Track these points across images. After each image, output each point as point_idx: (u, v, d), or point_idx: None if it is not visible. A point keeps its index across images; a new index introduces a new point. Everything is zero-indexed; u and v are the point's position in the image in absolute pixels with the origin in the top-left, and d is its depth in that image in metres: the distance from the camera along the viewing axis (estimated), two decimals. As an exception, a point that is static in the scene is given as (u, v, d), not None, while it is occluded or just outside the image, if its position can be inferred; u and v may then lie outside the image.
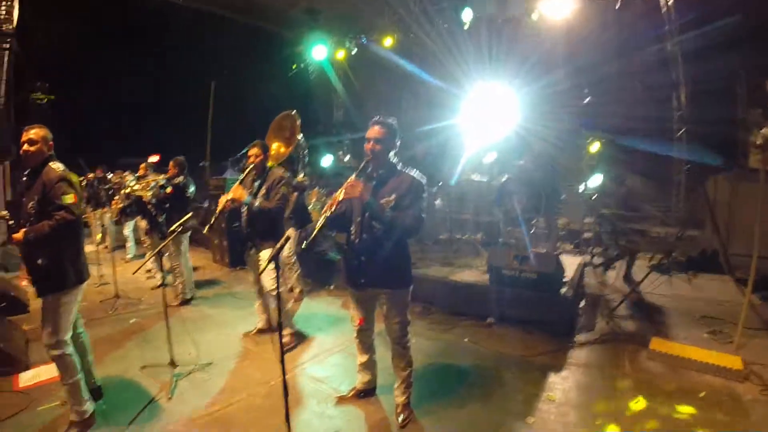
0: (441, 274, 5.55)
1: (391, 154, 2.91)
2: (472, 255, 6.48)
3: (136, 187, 5.97)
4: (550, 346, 4.36)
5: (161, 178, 5.85)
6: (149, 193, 5.82)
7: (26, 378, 3.89)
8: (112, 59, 16.50)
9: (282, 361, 2.48)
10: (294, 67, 12.50)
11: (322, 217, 2.65)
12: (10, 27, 9.76)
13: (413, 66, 10.03)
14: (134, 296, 6.03)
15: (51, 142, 3.08)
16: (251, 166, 4.21)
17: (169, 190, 5.57)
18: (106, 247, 9.35)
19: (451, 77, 9.04)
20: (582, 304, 5.29)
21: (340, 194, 2.67)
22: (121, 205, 7.68)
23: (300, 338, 4.54)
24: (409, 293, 3.05)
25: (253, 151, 4.23)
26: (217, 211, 3.87)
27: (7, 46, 9.59)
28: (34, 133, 3.02)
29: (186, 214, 5.45)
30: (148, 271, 7.09)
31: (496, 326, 4.86)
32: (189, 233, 5.92)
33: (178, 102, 16.02)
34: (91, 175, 8.77)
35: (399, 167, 2.92)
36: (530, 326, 4.72)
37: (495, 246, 6.03)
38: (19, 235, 2.88)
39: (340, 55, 11.30)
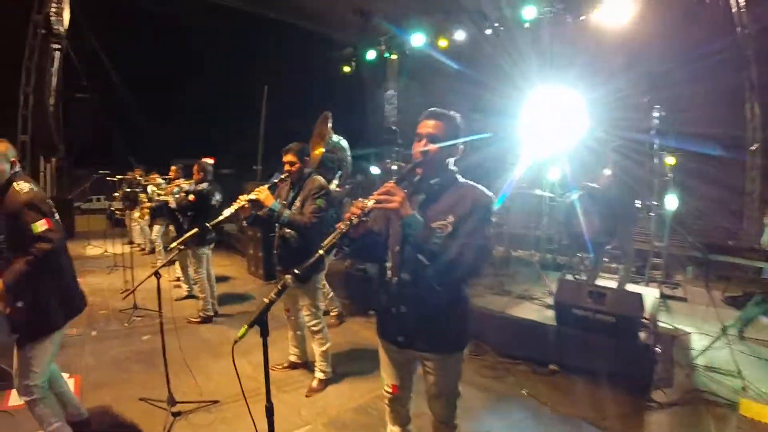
0: (496, 307, 4.70)
1: (451, 160, 2.05)
2: (531, 281, 5.62)
3: (159, 191, 5.54)
4: (624, 407, 3.51)
5: (184, 183, 5.38)
6: (171, 199, 5.37)
7: (16, 396, 3.46)
8: (168, 61, 16.83)
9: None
10: (347, 70, 12.10)
11: (335, 233, 1.76)
12: (62, 29, 9.89)
13: (468, 68, 9.33)
14: (155, 307, 5.57)
15: (13, 159, 2.55)
16: (285, 175, 3.54)
17: (191, 197, 5.06)
18: (142, 249, 9.15)
19: (508, 80, 8.26)
20: (657, 348, 4.35)
21: (368, 202, 1.80)
22: (147, 207, 7.38)
23: (328, 378, 3.82)
24: (464, 356, 2.18)
25: (288, 157, 3.49)
26: (232, 210, 3.19)
27: (58, 47, 9.73)
28: None
29: (205, 225, 4.95)
30: (177, 279, 6.71)
31: (560, 375, 4.02)
32: (212, 245, 5.41)
33: (233, 105, 16.10)
34: (130, 175, 8.58)
35: (460, 179, 2.07)
36: (600, 377, 3.84)
37: (562, 275, 5.11)
38: None
39: (392, 57, 10.84)
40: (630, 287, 5.14)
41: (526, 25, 8.05)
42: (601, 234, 5.15)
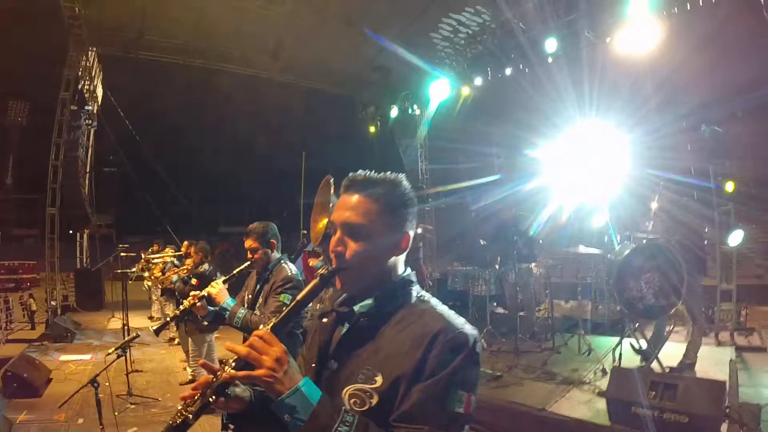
0: (533, 400, 3.76)
1: (397, 260, 1.20)
2: (581, 356, 4.71)
3: (152, 280, 5.21)
4: None
5: (172, 260, 5.01)
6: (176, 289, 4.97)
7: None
8: (201, 131, 17.36)
9: None
10: (372, 130, 11.90)
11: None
12: (96, 105, 10.26)
13: (497, 109, 8.87)
14: (154, 393, 5.07)
15: None
16: (246, 264, 2.92)
17: (194, 281, 4.52)
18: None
19: (542, 117, 7.60)
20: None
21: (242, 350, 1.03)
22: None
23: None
24: None
25: (248, 243, 2.90)
26: (180, 310, 2.68)
27: (90, 122, 10.04)
28: None
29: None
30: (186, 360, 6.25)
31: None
32: (214, 331, 4.91)
33: (273, 171, 16.28)
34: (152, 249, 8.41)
35: (413, 293, 1.19)
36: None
37: (616, 364, 4.06)
38: None
39: (416, 112, 10.57)
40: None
41: (550, 59, 7.42)
42: (665, 295, 4.24)
